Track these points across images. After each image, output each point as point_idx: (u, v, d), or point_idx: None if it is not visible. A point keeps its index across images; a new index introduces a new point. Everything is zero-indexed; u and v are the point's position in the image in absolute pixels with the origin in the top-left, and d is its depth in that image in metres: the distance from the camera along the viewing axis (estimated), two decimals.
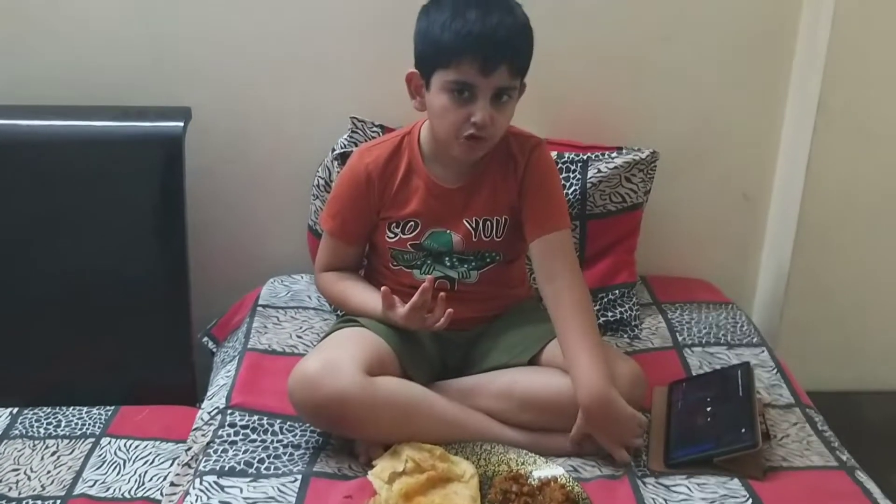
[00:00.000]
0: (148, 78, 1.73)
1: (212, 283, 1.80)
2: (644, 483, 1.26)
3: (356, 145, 1.65)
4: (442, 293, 1.35)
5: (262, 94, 1.77)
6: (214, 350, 1.74)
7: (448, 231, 1.44)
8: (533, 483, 1.23)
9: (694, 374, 1.54)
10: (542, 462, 1.27)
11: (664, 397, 1.46)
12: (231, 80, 1.76)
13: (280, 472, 1.25)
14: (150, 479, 1.41)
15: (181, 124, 1.61)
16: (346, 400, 1.24)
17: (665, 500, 1.22)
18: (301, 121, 1.78)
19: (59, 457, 1.46)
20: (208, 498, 1.19)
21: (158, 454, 1.47)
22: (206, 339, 1.77)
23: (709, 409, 1.38)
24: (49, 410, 1.58)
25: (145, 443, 1.50)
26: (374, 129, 1.69)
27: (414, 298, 1.32)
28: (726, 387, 1.42)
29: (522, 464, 1.28)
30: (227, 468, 1.25)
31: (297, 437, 1.33)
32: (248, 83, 1.76)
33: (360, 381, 1.25)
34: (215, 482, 1.22)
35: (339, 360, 1.28)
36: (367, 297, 1.43)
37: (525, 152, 1.43)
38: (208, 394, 1.49)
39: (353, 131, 1.68)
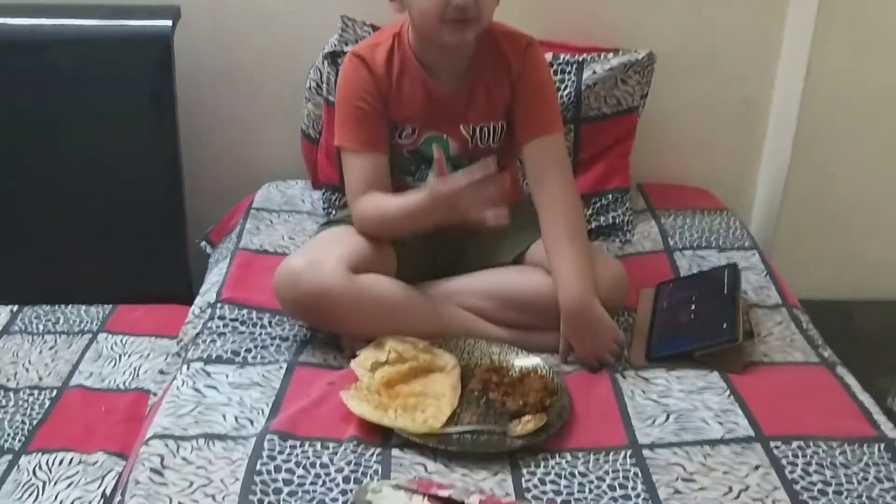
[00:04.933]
0: None
1: (208, 189, 1.81)
2: (623, 376, 1.28)
3: (347, 45, 1.63)
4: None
5: None
6: (211, 253, 1.76)
7: (445, 136, 1.41)
8: (514, 374, 1.25)
9: (682, 276, 1.55)
10: (523, 355, 1.29)
11: (651, 298, 1.46)
12: None
13: (266, 360, 1.28)
14: (145, 373, 1.45)
15: (170, 23, 1.60)
16: (327, 294, 1.26)
17: (643, 392, 1.24)
18: (290, 20, 1.75)
19: (56, 351, 1.50)
20: (194, 382, 1.22)
21: (153, 349, 1.50)
22: (203, 243, 1.79)
23: (693, 307, 1.39)
24: (48, 308, 1.61)
25: (141, 339, 1.53)
26: (365, 28, 1.66)
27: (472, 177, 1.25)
28: (712, 286, 1.42)
29: (504, 357, 1.30)
30: (214, 356, 1.28)
31: (284, 331, 1.35)
32: None
33: (341, 277, 1.27)
34: (202, 368, 1.25)
35: (324, 257, 1.29)
36: (404, 198, 1.34)
37: (518, 52, 1.39)
38: (201, 290, 1.51)
39: (343, 30, 1.66)
